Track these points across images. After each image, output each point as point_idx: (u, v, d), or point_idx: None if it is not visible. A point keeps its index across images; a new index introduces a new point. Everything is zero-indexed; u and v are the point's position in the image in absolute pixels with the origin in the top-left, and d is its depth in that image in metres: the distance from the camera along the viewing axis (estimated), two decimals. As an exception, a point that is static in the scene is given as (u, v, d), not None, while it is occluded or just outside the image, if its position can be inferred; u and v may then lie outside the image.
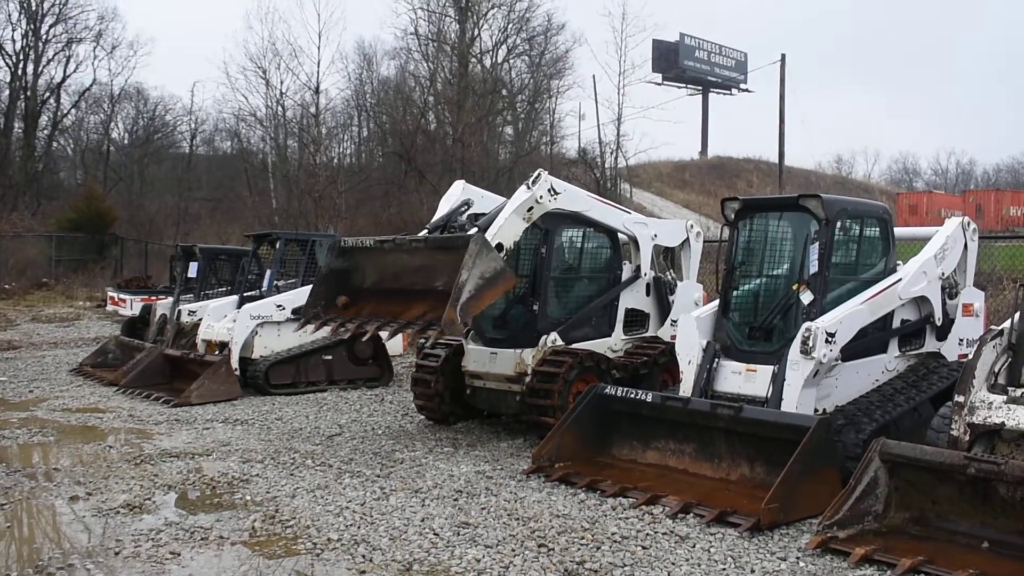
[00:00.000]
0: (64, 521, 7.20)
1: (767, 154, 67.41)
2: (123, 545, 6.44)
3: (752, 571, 5.89)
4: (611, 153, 45.83)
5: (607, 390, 8.70)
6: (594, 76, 76.48)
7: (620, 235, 11.04)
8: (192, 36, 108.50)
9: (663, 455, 8.35)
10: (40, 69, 46.93)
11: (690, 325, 8.79)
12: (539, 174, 9.68)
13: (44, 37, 46.80)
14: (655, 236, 11.26)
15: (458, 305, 8.33)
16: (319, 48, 54.27)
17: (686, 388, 8.60)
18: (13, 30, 46.00)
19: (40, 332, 23.42)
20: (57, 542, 6.67)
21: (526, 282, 10.69)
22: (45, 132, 49.22)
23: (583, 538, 6.50)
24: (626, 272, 11.10)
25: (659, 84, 69.93)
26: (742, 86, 74.42)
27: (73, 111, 51.68)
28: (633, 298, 11.17)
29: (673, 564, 6.00)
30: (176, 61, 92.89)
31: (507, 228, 9.46)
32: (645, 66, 63.14)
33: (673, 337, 10.54)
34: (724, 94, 76.29)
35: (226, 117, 53.60)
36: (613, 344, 10.91)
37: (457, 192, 11.25)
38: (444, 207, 10.98)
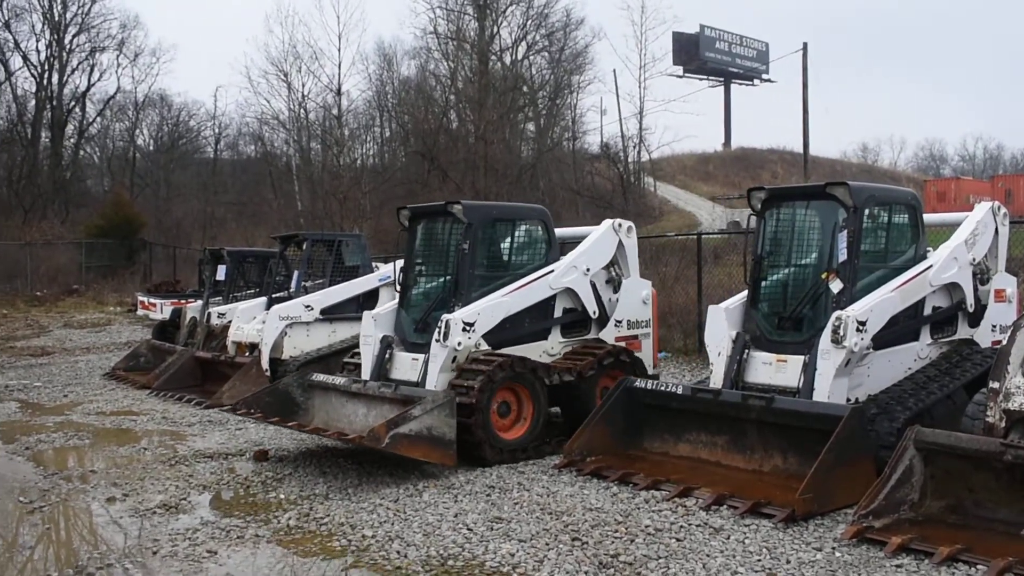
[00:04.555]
0: (101, 522, 7.28)
1: (791, 144, 67.15)
2: (160, 545, 6.50)
3: (788, 562, 5.85)
4: (634, 147, 46.02)
5: (636, 383, 8.68)
6: (615, 70, 76.69)
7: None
8: (213, 42, 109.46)
9: (695, 447, 8.32)
10: (65, 79, 47.53)
11: (719, 316, 8.72)
12: (445, 324, 8.97)
13: (68, 47, 47.37)
14: (588, 270, 10.16)
15: (394, 431, 7.93)
16: (339, 50, 54.71)
17: (716, 380, 8.54)
18: (37, 40, 46.74)
19: (72, 338, 23.69)
20: (95, 543, 6.74)
21: (448, 282, 9.84)
22: (72, 141, 49.84)
23: (617, 531, 6.49)
24: (562, 310, 10.12)
25: (680, 76, 69.80)
26: (764, 76, 74.08)
27: (98, 119, 52.36)
28: (572, 301, 10.18)
29: (708, 556, 5.98)
30: (198, 67, 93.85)
31: (441, 384, 8.99)
32: (666, 59, 63.42)
33: (618, 339, 10.32)
34: (746, 85, 75.96)
35: (249, 121, 54.22)
36: (550, 348, 10.02)
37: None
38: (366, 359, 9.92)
